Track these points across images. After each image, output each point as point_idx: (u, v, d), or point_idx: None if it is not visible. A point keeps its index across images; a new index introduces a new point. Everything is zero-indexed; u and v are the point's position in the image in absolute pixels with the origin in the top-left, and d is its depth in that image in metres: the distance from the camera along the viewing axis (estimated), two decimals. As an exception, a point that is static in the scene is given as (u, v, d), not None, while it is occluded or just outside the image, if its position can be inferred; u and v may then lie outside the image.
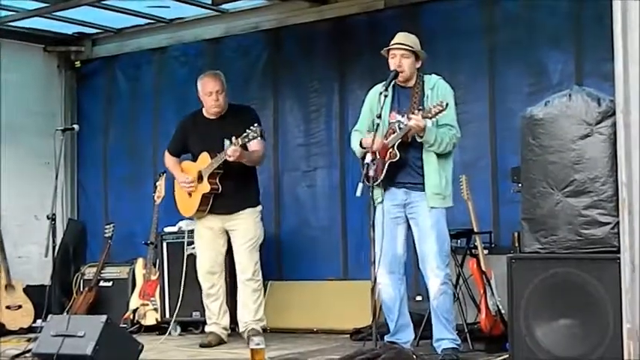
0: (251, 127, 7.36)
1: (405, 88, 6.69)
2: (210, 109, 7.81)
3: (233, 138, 7.41)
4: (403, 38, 6.66)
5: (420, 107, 6.49)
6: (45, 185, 9.23)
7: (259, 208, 7.91)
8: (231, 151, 7.42)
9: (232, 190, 7.71)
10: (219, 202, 7.76)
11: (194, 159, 7.92)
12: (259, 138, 7.46)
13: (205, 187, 7.71)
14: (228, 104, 7.89)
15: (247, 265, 7.76)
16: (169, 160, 8.10)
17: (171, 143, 8.16)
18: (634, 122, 5.10)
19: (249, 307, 7.78)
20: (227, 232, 7.86)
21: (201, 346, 7.78)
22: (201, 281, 7.95)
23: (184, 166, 8.01)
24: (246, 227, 7.78)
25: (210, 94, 7.76)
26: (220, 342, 7.86)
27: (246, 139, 7.40)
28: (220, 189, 7.71)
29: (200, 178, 7.76)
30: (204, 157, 7.74)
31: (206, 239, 7.89)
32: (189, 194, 7.86)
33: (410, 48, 6.61)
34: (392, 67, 6.63)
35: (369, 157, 6.35)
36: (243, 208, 7.78)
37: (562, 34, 8.08)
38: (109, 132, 10.69)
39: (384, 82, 6.60)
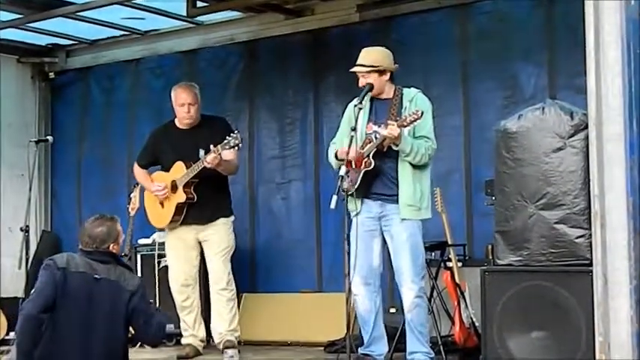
0: (231, 134, 7.30)
1: (383, 100, 6.69)
2: (182, 120, 7.78)
3: (212, 146, 7.36)
4: (362, 58, 6.66)
5: (398, 118, 6.50)
6: (18, 197, 9.19)
7: (232, 218, 7.86)
8: (210, 158, 7.35)
9: (206, 199, 7.66)
10: (192, 212, 7.69)
11: (165, 169, 7.85)
12: (234, 147, 7.42)
13: (180, 196, 7.64)
14: (201, 115, 7.85)
15: (221, 275, 7.71)
16: (139, 173, 8.02)
17: (140, 155, 8.08)
18: (606, 136, 5.14)
19: (224, 317, 7.71)
20: (200, 244, 7.81)
21: (179, 358, 7.72)
22: (174, 294, 7.88)
23: (155, 177, 7.91)
24: (219, 237, 7.72)
25: (182, 106, 7.73)
26: (197, 354, 7.81)
27: (227, 147, 7.33)
28: (195, 198, 7.67)
29: (174, 187, 7.71)
30: (179, 166, 7.67)
31: (179, 252, 7.82)
32: (162, 204, 7.81)
33: (366, 69, 6.61)
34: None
35: (343, 170, 6.36)
36: (217, 218, 7.73)
37: (535, 48, 8.14)
38: (84, 143, 10.65)
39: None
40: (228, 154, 7.53)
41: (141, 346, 7.24)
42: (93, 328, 5.43)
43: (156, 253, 8.57)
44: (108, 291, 5.48)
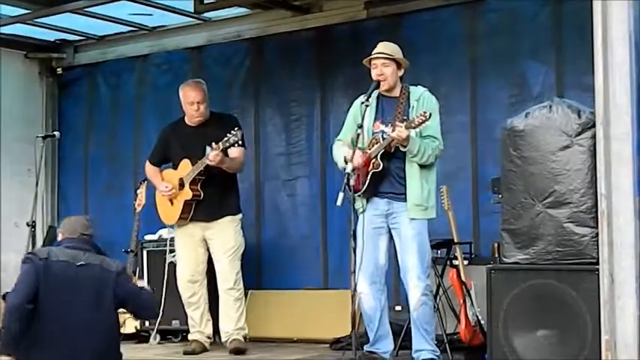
0: (231, 132, 7.36)
1: (390, 98, 6.70)
2: (192, 118, 7.82)
3: (213, 143, 7.40)
4: (383, 47, 6.69)
5: (405, 118, 6.50)
6: (25, 192, 9.19)
7: (239, 216, 7.89)
8: (212, 155, 7.40)
9: (213, 197, 7.71)
10: (200, 210, 7.74)
11: (175, 167, 7.90)
12: (239, 145, 7.46)
13: (187, 193, 7.69)
14: (211, 112, 7.89)
15: (228, 274, 7.74)
16: (150, 170, 8.08)
17: (152, 153, 8.15)
18: (613, 134, 5.13)
19: (231, 316, 7.75)
20: (206, 241, 7.83)
21: (185, 353, 7.74)
22: (181, 290, 7.91)
23: (165, 175, 7.99)
24: (224, 236, 7.75)
25: (192, 104, 7.77)
26: (203, 350, 7.84)
27: (227, 144, 7.39)
28: (202, 195, 7.69)
29: (182, 185, 7.74)
30: (186, 163, 7.74)
31: (186, 248, 7.87)
32: (171, 202, 7.85)
33: (390, 56, 6.63)
34: (374, 77, 6.65)
35: (349, 167, 6.37)
36: (223, 216, 7.76)
37: (543, 46, 8.12)
38: (90, 139, 10.66)
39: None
40: (235, 152, 7.59)
41: (143, 324, 7.18)
42: (78, 315, 5.42)
43: (167, 248, 8.54)
44: (92, 275, 5.51)
